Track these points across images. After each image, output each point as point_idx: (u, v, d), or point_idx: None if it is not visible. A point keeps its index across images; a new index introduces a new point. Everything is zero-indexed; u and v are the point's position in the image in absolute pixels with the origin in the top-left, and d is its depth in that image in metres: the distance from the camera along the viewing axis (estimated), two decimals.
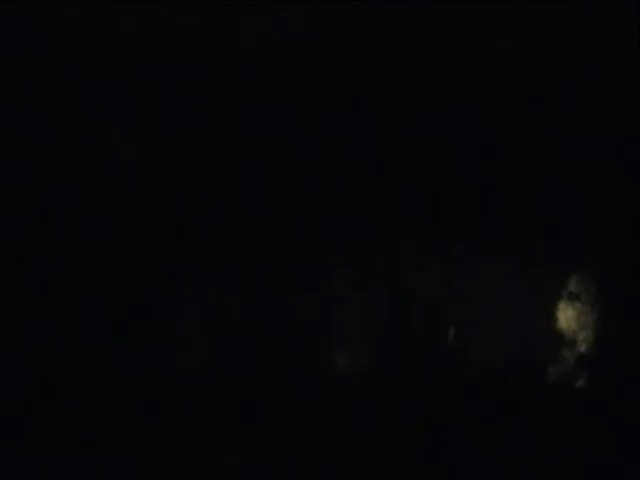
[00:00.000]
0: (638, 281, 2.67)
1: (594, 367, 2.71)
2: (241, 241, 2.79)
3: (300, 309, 2.78)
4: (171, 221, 2.79)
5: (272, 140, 2.79)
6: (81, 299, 2.75)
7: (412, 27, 2.74)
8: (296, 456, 2.69)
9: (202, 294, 2.81)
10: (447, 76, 2.75)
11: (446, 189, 2.78)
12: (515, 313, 2.75)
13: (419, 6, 2.72)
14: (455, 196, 2.77)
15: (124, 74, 2.77)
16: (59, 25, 2.73)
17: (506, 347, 2.74)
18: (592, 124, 2.74)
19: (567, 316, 2.73)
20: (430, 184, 2.78)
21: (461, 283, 2.78)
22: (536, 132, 2.75)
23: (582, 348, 2.73)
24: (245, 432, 2.71)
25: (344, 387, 2.75)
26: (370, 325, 2.79)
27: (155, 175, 2.77)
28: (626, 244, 2.69)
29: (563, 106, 2.74)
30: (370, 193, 2.78)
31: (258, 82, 2.78)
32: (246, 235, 2.79)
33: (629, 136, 2.72)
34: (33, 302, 2.73)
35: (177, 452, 2.70)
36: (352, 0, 2.72)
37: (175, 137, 2.77)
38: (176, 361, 2.77)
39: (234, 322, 2.79)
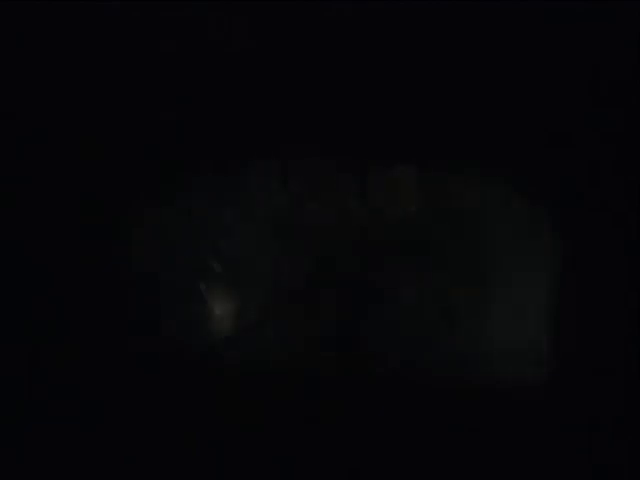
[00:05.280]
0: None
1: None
2: None
3: None
4: None
5: None
6: None
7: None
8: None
9: None
10: (446, 78, 2.75)
11: None
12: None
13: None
14: None
15: (124, 74, 2.78)
16: (60, 25, 2.75)
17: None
18: (592, 125, 2.73)
19: None
20: None
21: None
22: (535, 132, 2.75)
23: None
24: None
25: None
26: None
27: None
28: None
29: (563, 107, 2.74)
30: None
31: None
32: None
33: (629, 136, 2.72)
34: None
35: None
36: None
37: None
38: None
39: None
